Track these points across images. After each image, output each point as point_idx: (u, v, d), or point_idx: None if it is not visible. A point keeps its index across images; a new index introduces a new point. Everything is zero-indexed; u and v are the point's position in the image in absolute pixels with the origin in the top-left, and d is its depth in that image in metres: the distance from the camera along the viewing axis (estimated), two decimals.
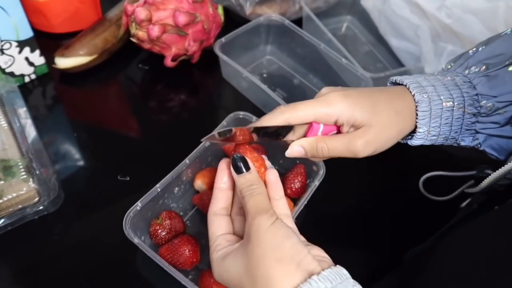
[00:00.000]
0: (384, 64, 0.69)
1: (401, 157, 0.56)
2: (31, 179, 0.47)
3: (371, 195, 0.54)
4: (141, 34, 0.56)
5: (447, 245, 0.37)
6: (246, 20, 0.64)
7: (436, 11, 0.58)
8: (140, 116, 0.59)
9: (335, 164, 0.49)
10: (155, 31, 0.55)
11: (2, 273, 0.44)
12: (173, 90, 0.63)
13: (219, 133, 0.34)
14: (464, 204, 0.49)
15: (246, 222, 0.31)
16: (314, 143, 0.35)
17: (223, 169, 0.35)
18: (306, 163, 0.49)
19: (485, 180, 0.41)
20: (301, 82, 0.66)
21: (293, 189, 0.48)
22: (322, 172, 0.47)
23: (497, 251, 0.30)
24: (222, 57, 0.58)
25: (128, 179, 0.51)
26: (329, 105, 0.34)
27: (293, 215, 0.44)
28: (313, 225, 0.49)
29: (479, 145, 0.38)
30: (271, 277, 0.28)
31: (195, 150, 0.46)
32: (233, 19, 0.67)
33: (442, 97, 0.36)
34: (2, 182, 0.45)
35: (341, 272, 0.28)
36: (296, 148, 0.36)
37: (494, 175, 0.39)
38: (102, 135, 0.56)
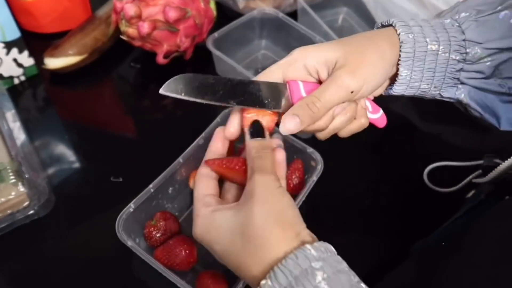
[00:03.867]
0: None
1: (404, 147, 0.55)
2: (20, 183, 0.46)
3: (372, 188, 0.52)
4: (131, 31, 0.55)
5: (470, 233, 0.36)
6: (239, 14, 0.63)
7: None
8: (133, 116, 0.58)
9: (334, 158, 0.48)
10: (145, 27, 0.53)
11: None
12: None
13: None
14: (469, 195, 0.48)
15: (250, 180, 0.30)
16: (304, 104, 0.32)
17: (219, 134, 0.36)
18: (303, 158, 0.48)
19: (495, 169, 0.39)
20: None
21: (291, 185, 0.47)
22: (320, 166, 0.46)
23: None
24: (216, 52, 0.56)
25: (121, 180, 0.50)
26: (292, 55, 0.34)
27: None
28: (313, 222, 0.47)
29: (462, 99, 0.36)
30: (267, 238, 0.28)
31: (188, 149, 0.45)
32: (226, 14, 0.66)
33: (427, 39, 0.34)
34: None
35: (330, 247, 0.29)
36: (289, 119, 0.32)
37: (505, 164, 0.38)
38: (94, 136, 0.55)
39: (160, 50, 0.57)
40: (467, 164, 0.48)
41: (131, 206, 0.41)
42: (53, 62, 0.58)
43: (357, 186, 0.53)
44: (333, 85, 0.32)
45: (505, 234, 0.33)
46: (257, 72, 0.63)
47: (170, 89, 0.33)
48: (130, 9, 0.53)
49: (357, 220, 0.50)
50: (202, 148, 0.47)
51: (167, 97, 0.61)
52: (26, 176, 0.46)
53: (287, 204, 0.29)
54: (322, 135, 0.35)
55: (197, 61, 0.63)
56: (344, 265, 0.28)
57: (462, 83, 0.36)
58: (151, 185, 0.42)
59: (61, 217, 0.47)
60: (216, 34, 0.58)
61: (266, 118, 0.33)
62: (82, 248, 0.45)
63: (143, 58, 0.63)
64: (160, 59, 0.58)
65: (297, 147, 0.48)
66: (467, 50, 0.34)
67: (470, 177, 0.47)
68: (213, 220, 0.30)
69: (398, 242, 0.47)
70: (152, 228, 0.42)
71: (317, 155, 0.47)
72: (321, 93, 0.32)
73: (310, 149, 0.47)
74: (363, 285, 0.27)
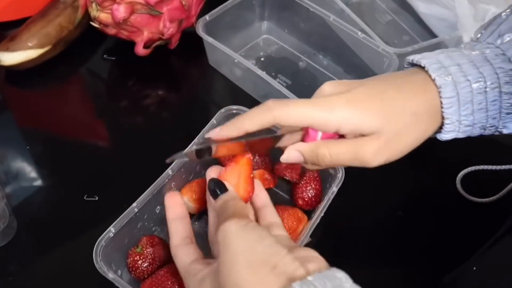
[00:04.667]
0: (411, 35, 0.69)
1: (434, 150, 0.56)
2: None
3: (399, 201, 0.54)
4: (104, 16, 0.56)
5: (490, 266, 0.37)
6: None
7: None
8: (108, 120, 0.59)
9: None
10: (121, 11, 0.55)
11: None
12: (149, 85, 0.63)
13: (196, 152, 0.36)
14: None
15: (215, 237, 0.33)
16: (314, 148, 0.36)
17: (173, 197, 0.41)
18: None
19: None
20: (308, 65, 0.66)
21: (306, 199, 0.48)
22: (340, 175, 0.47)
23: None
24: (207, 39, 0.58)
25: (96, 198, 0.51)
26: (330, 111, 0.35)
27: (308, 232, 0.44)
28: (332, 242, 0.49)
29: None
30: (241, 287, 0.29)
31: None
32: None
33: (469, 77, 0.35)
34: None
35: (334, 274, 0.28)
36: (293, 153, 0.37)
37: None
38: (62, 146, 0.56)
39: (140, 39, 0.58)
40: (508, 167, 0.49)
41: (111, 231, 0.42)
42: (9, 57, 0.59)
43: (383, 197, 0.54)
44: (351, 155, 0.35)
45: None
46: (259, 62, 0.65)
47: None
48: None
49: (385, 240, 0.51)
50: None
51: (149, 95, 0.63)
52: None
53: (255, 239, 0.31)
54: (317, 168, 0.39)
55: (185, 50, 0.64)
56: None
57: None
58: (134, 204, 0.43)
59: (25, 246, 0.47)
60: (207, 17, 0.59)
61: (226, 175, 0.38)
62: (51, 283, 0.46)
63: (119, 48, 0.64)
64: (140, 49, 0.59)
65: None
66: None
67: None
68: None
69: (427, 269, 0.48)
70: (138, 257, 0.43)
71: None
72: (335, 151, 0.36)
73: None
74: None
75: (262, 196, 0.40)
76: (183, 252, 0.38)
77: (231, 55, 0.57)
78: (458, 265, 0.45)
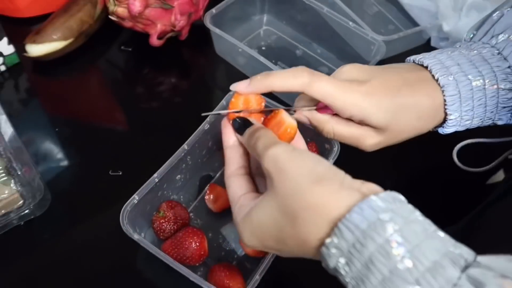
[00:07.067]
0: (396, 25, 0.69)
1: None
2: (12, 181, 0.47)
3: (395, 171, 0.54)
4: (121, 10, 0.56)
5: (482, 226, 0.38)
6: None
7: None
8: (127, 104, 0.60)
9: None
10: (137, 6, 0.55)
11: None
12: (162, 73, 0.63)
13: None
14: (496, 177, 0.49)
15: (263, 164, 0.30)
16: (322, 122, 0.36)
17: (228, 125, 0.35)
18: (317, 141, 0.50)
19: None
20: (304, 53, 0.66)
21: None
22: (336, 149, 0.48)
23: None
24: (214, 30, 0.58)
25: (120, 173, 0.52)
26: (347, 101, 0.34)
27: None
28: None
29: None
30: (315, 202, 0.27)
31: (193, 135, 0.47)
32: None
33: (470, 76, 0.35)
34: None
35: (399, 196, 0.27)
36: (303, 118, 0.37)
37: None
38: (87, 128, 0.57)
39: (154, 31, 0.59)
40: (501, 140, 0.48)
41: (135, 198, 0.43)
42: (35, 49, 0.59)
43: (379, 168, 0.54)
44: (353, 139, 0.36)
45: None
46: (260, 50, 0.66)
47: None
48: None
49: None
50: (207, 134, 0.49)
51: (162, 82, 0.64)
52: (18, 173, 0.48)
53: (312, 161, 0.29)
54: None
55: (194, 41, 0.64)
56: (417, 213, 0.27)
57: None
58: (155, 175, 0.44)
59: (59, 216, 0.48)
60: (214, 10, 0.59)
61: (252, 117, 0.36)
62: (83, 248, 0.47)
63: (135, 40, 0.64)
64: (154, 40, 0.59)
65: (311, 129, 0.50)
66: None
67: (506, 154, 0.47)
68: (251, 222, 0.31)
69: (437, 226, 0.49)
70: (162, 220, 0.44)
71: None
72: (340, 132, 0.36)
73: None
74: (440, 233, 0.26)
75: (301, 143, 0.37)
76: (236, 183, 0.34)
77: (236, 45, 0.57)
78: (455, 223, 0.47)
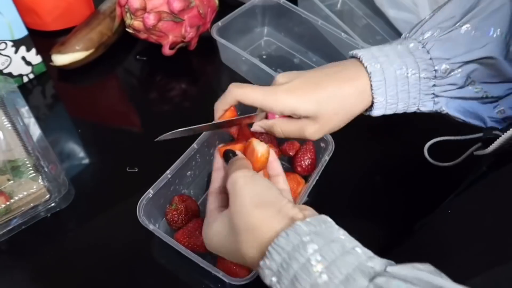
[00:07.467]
0: (383, 36, 0.69)
1: (404, 124, 0.57)
2: (40, 177, 0.48)
3: (378, 166, 0.55)
4: (137, 24, 0.57)
5: (453, 210, 0.39)
6: (240, 3, 0.65)
7: None
8: (142, 108, 0.61)
9: (343, 139, 0.50)
10: (151, 19, 0.55)
11: (19, 273, 0.45)
12: (173, 79, 0.64)
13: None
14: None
15: (227, 184, 0.33)
16: (271, 126, 0.39)
17: (217, 153, 0.40)
18: (315, 141, 0.50)
19: (496, 141, 0.41)
20: (301, 61, 0.67)
21: (303, 166, 0.49)
22: (331, 147, 0.49)
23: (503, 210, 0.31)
24: (220, 41, 0.59)
25: (136, 170, 0.52)
26: (275, 97, 0.37)
27: (305, 192, 0.46)
28: (325, 200, 0.50)
29: (442, 109, 0.39)
30: (252, 224, 0.30)
31: (202, 134, 0.48)
32: (228, 3, 0.68)
33: (394, 65, 0.37)
34: (11, 182, 0.46)
35: (325, 219, 0.30)
36: (257, 127, 0.41)
37: (506, 135, 0.40)
38: (106, 130, 0.58)
39: (166, 41, 0.59)
40: (467, 137, 0.49)
41: (150, 192, 0.43)
42: (60, 59, 0.60)
43: (366, 164, 0.55)
44: (297, 133, 0.38)
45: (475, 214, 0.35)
46: (261, 59, 0.66)
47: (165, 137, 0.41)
48: (135, 2, 0.55)
49: (368, 197, 0.53)
50: (215, 134, 0.49)
51: (174, 87, 0.64)
52: (45, 169, 0.48)
53: (262, 187, 0.32)
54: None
55: (202, 51, 0.65)
56: (340, 233, 0.29)
57: (438, 96, 0.38)
58: (168, 171, 0.45)
59: (81, 209, 0.49)
60: (219, 23, 0.60)
61: (236, 147, 0.39)
62: (103, 237, 0.48)
63: (149, 50, 0.65)
64: (166, 50, 0.60)
65: None
66: (436, 68, 0.37)
67: (471, 149, 0.48)
68: (210, 230, 0.34)
69: (401, 219, 0.50)
70: (174, 212, 0.45)
71: (328, 137, 0.49)
72: (286, 129, 0.39)
73: None
74: (358, 249, 0.27)
75: (276, 166, 0.40)
76: (212, 199, 0.38)
77: (240, 54, 0.58)
78: (425, 215, 0.47)
